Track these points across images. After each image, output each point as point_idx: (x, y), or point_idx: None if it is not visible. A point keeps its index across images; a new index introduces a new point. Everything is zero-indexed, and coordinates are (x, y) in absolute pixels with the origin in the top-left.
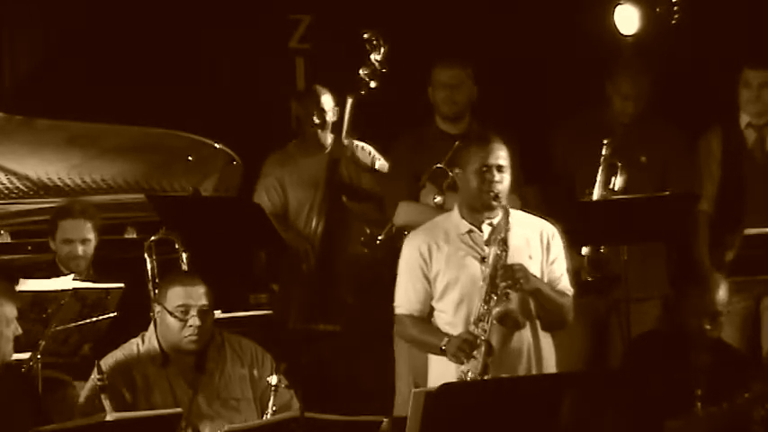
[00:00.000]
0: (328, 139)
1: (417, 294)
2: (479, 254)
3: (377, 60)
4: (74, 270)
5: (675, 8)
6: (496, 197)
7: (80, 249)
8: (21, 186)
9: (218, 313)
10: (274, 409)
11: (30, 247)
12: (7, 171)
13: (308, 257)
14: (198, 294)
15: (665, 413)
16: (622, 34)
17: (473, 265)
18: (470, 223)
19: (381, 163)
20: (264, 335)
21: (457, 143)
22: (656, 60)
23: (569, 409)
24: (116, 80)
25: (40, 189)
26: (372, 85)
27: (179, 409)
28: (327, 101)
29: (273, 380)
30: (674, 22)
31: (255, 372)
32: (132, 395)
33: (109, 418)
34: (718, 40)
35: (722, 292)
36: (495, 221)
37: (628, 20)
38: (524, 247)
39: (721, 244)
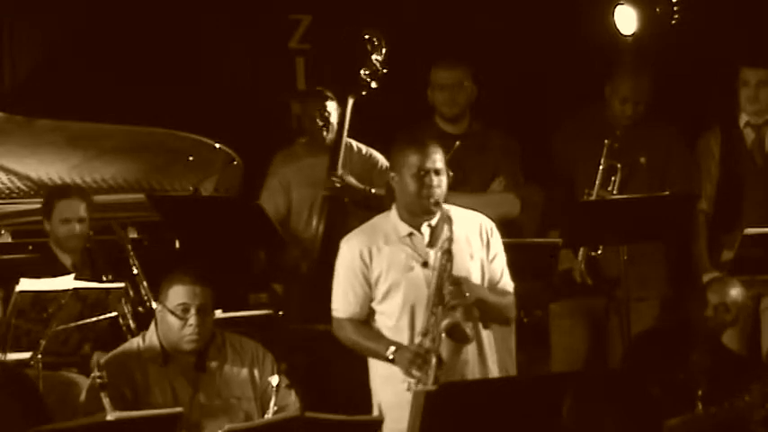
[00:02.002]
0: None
1: (357, 298)
2: (421, 257)
3: (377, 61)
4: (71, 249)
5: (675, 8)
6: (436, 203)
7: (77, 228)
8: (21, 186)
9: (218, 313)
10: (275, 408)
11: (30, 247)
12: (8, 171)
13: (299, 259)
14: (198, 293)
15: (664, 413)
16: (622, 34)
17: (415, 268)
18: (410, 225)
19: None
20: (264, 335)
21: (457, 143)
22: (655, 62)
23: (569, 409)
24: (116, 80)
25: (41, 189)
26: (373, 85)
27: (179, 409)
28: (331, 102)
29: (275, 380)
30: (673, 22)
31: (256, 371)
32: (133, 394)
33: (109, 417)
34: (717, 39)
35: (735, 291)
36: (433, 223)
37: (628, 20)
38: (465, 246)
39: (720, 243)
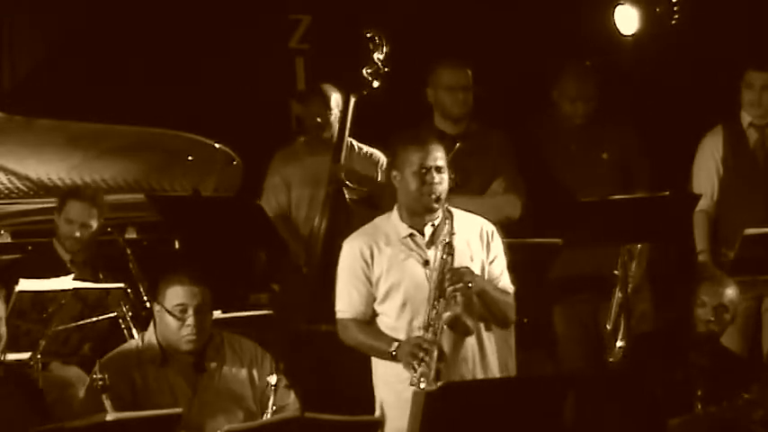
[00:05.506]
0: (334, 137)
1: (361, 297)
2: (421, 257)
3: (379, 59)
4: (68, 249)
5: (675, 8)
6: (438, 199)
7: (77, 232)
8: (21, 186)
9: (218, 313)
10: (274, 408)
11: (30, 247)
12: (7, 171)
13: (300, 258)
14: (196, 294)
15: (665, 413)
16: (622, 34)
17: (416, 268)
18: (411, 226)
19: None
20: (264, 335)
21: (458, 144)
22: (655, 62)
23: (570, 409)
24: (116, 80)
25: (40, 189)
26: (375, 84)
27: (179, 409)
28: (334, 100)
29: (273, 380)
30: (673, 22)
31: (255, 372)
32: (132, 395)
33: (109, 418)
34: (718, 39)
35: (731, 290)
36: (436, 222)
37: (628, 20)
38: (465, 248)
39: (721, 244)
